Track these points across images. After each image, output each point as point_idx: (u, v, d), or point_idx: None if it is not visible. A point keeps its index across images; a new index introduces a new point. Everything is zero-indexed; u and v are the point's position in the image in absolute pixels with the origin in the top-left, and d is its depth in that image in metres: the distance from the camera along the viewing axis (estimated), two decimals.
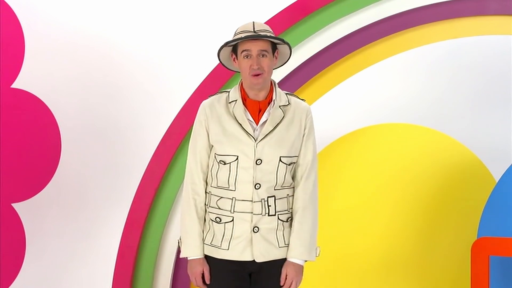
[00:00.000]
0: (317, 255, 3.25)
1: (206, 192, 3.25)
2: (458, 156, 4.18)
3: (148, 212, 4.31)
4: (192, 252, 3.20)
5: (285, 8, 4.25)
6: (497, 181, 4.15)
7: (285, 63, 3.33)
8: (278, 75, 4.21)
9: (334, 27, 4.26)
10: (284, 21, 4.24)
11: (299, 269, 3.20)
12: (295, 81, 4.29)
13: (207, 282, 3.20)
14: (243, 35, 3.15)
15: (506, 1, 4.15)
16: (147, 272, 4.33)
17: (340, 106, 4.32)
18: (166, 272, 4.34)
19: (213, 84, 4.15)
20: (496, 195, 4.14)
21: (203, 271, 3.19)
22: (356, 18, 4.24)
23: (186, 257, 3.24)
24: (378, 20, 4.24)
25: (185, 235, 3.21)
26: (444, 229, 4.21)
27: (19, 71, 4.49)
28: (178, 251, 4.33)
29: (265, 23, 4.09)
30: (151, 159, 4.30)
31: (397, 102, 4.26)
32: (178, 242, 3.26)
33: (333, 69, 4.30)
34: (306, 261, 3.22)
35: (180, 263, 4.34)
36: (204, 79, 4.26)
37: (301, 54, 4.28)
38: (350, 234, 4.28)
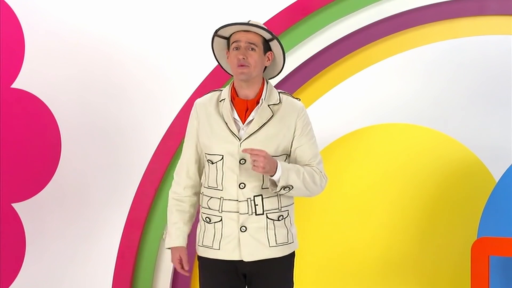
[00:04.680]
0: (281, 185, 3.09)
1: (199, 192, 3.29)
2: (458, 156, 4.18)
3: (148, 212, 4.31)
4: (170, 243, 3.30)
5: (285, 8, 4.25)
6: (497, 181, 4.15)
7: (279, 72, 3.31)
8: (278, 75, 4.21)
9: (334, 27, 4.25)
10: (284, 21, 4.24)
11: (271, 161, 3.06)
12: (295, 81, 4.29)
13: (186, 268, 3.27)
14: (236, 28, 3.17)
15: (506, 1, 4.15)
16: (147, 272, 4.33)
17: (340, 106, 4.32)
18: (166, 272, 4.34)
19: (214, 83, 4.14)
20: (496, 195, 4.14)
21: (180, 258, 3.26)
22: (356, 18, 4.24)
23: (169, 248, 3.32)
24: (378, 20, 4.23)
25: (168, 229, 3.34)
26: (444, 229, 4.21)
27: (19, 71, 4.49)
28: None
29: (265, 23, 4.11)
30: (151, 159, 4.29)
31: (397, 102, 4.26)
32: (163, 235, 3.33)
33: (333, 69, 4.31)
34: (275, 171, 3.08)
35: None
36: (205, 78, 4.26)
37: (301, 54, 4.27)
38: (349, 233, 4.28)
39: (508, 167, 4.13)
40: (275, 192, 3.13)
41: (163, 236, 3.33)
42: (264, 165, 3.03)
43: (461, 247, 4.15)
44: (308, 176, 3.16)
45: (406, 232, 4.24)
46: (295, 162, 3.21)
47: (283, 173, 3.09)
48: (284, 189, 3.11)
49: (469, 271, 4.04)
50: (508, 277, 4.13)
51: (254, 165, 3.04)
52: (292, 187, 3.12)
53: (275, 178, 3.08)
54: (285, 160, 3.20)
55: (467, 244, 4.10)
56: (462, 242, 4.16)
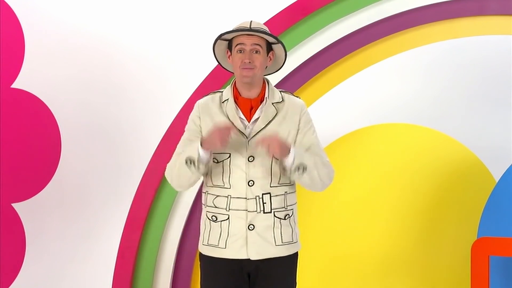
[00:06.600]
0: (296, 163, 3.09)
1: (203, 192, 3.29)
2: (458, 156, 4.18)
3: (148, 212, 4.31)
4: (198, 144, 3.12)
5: (285, 8, 4.26)
6: (497, 181, 4.15)
7: (279, 68, 3.34)
8: (278, 75, 4.20)
9: (334, 27, 4.26)
10: (284, 21, 4.24)
11: (284, 142, 3.10)
12: (295, 81, 4.29)
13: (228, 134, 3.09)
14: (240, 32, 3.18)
15: (506, 1, 4.15)
16: (147, 272, 4.33)
17: (340, 106, 4.32)
18: (166, 272, 4.34)
19: (213, 83, 4.15)
20: (496, 195, 4.14)
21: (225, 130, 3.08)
22: (356, 18, 4.25)
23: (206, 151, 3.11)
24: (378, 20, 4.24)
25: (186, 153, 3.14)
26: (444, 229, 4.21)
27: (19, 71, 4.49)
28: (178, 251, 4.33)
29: (265, 23, 4.12)
30: (151, 159, 4.30)
31: (397, 102, 4.26)
32: (188, 161, 3.12)
33: (333, 69, 4.31)
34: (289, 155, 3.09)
35: (180, 263, 4.35)
36: (205, 79, 4.26)
37: (301, 54, 4.28)
38: (349, 233, 4.28)
39: (508, 167, 4.13)
40: (289, 174, 3.11)
41: (188, 162, 3.11)
42: (280, 144, 3.04)
43: (461, 247, 4.15)
44: (320, 161, 3.19)
45: (406, 232, 4.24)
46: None
47: (297, 152, 3.10)
48: (298, 170, 3.10)
49: (469, 271, 4.04)
50: (508, 277, 4.13)
51: (269, 149, 3.03)
52: (306, 169, 3.11)
53: (290, 156, 3.08)
54: None
55: (467, 244, 4.10)
56: (462, 242, 4.16)
